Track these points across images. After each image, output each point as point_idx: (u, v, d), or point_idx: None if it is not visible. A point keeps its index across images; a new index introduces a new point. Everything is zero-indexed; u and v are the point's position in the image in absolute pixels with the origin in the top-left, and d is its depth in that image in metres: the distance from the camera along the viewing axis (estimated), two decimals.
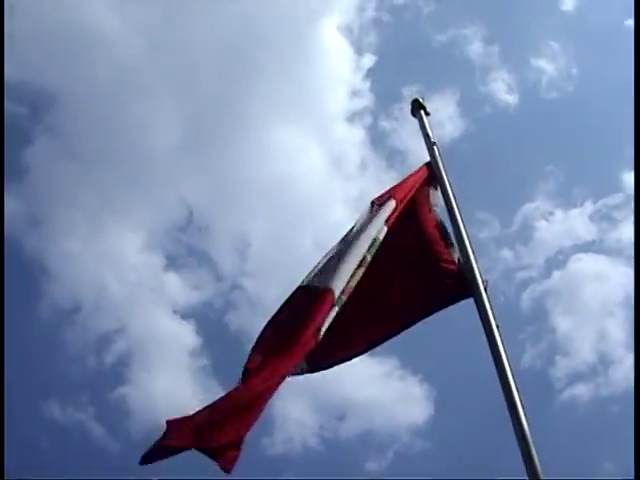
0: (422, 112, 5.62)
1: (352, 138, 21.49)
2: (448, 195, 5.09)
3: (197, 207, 20.10)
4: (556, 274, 19.49)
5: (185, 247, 20.36)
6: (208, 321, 19.20)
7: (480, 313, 4.52)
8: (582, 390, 17.22)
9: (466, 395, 17.23)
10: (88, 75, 19.78)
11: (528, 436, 3.94)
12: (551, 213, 20.13)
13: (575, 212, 20.00)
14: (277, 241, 20.93)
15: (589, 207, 19.80)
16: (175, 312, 19.25)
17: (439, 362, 17.92)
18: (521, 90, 21.02)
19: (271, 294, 19.60)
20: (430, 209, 5.12)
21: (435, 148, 5.40)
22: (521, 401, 4.09)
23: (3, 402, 7.90)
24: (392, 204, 4.95)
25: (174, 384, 18.53)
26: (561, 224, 20.11)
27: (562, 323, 18.82)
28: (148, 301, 19.87)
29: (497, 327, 4.42)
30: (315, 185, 21.58)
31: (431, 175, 5.24)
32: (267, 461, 17.57)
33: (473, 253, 4.81)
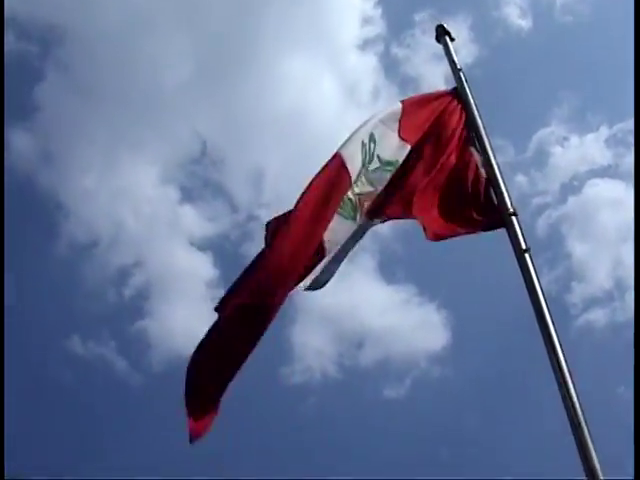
0: (447, 38, 5.47)
1: (364, 66, 21.33)
2: (476, 123, 5.01)
3: (211, 140, 20.10)
4: (571, 200, 19.46)
5: (200, 180, 20.42)
6: (225, 252, 19.48)
7: (511, 240, 4.48)
8: (598, 315, 17.33)
9: (485, 322, 17.36)
10: (99, 11, 19.57)
11: (565, 369, 3.92)
12: (566, 138, 19.99)
13: (590, 137, 19.85)
14: (291, 171, 20.83)
15: (604, 132, 19.62)
16: (192, 244, 19.45)
17: (457, 289, 18.02)
18: (534, 13, 20.68)
19: None
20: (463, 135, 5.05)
21: (461, 74, 5.27)
22: (556, 331, 4.06)
23: (3, 401, 7.97)
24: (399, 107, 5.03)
25: (192, 315, 18.78)
26: (576, 149, 19.98)
27: (578, 249, 18.86)
28: (165, 234, 20.08)
29: (528, 250, 4.39)
30: (328, 114, 21.45)
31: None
32: (287, 390, 17.84)
33: (503, 179, 4.75)
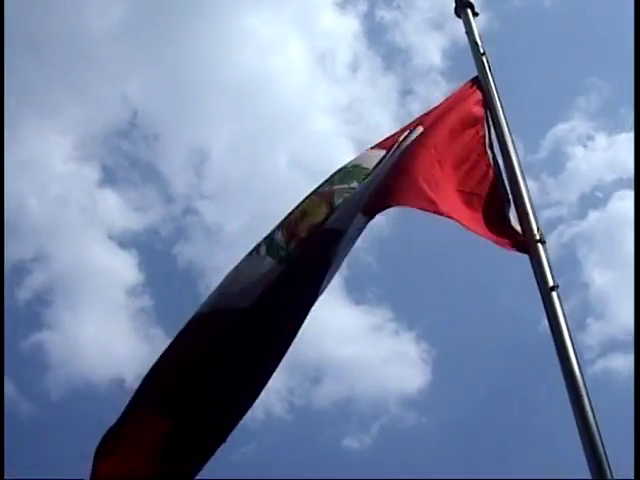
0: (469, 11, 5.60)
1: (342, 30, 21.26)
2: (500, 122, 5.14)
3: (144, 109, 19.77)
4: (593, 215, 19.59)
5: (126, 158, 20.04)
6: (152, 252, 19.40)
7: (535, 272, 4.61)
8: (619, 362, 17.47)
9: (473, 359, 17.49)
10: None
11: (593, 426, 4.05)
12: (590, 137, 20.05)
13: (622, 137, 19.83)
14: (243, 156, 20.71)
15: None
16: (111, 238, 19.02)
17: (443, 316, 18.08)
18: None
19: (232, 222, 19.49)
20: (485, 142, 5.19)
21: (484, 59, 5.39)
22: (584, 384, 4.19)
23: (3, 401, 8.02)
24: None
25: (105, 330, 18.63)
26: (603, 152, 20.05)
27: (597, 277, 18.95)
28: (77, 223, 19.60)
29: (556, 288, 4.52)
30: (294, 88, 21.40)
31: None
32: None
33: (529, 199, 4.90)
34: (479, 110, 5.24)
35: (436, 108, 5.43)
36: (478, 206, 4.88)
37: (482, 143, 5.16)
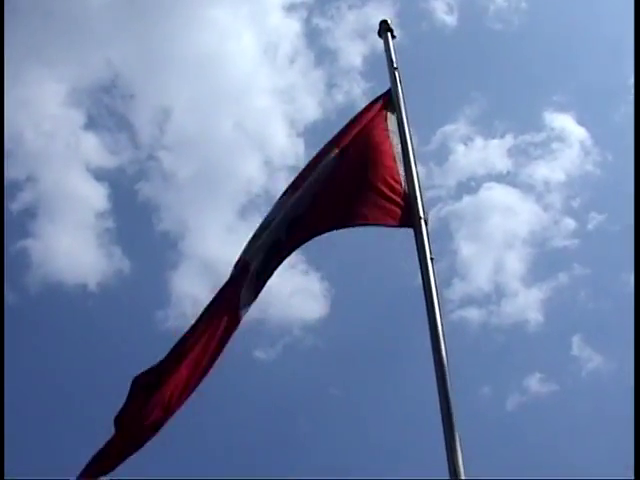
0: (389, 34, 5.69)
1: (286, 29, 21.42)
2: (403, 123, 5.23)
3: (123, 72, 19.94)
4: (466, 199, 20.08)
5: (107, 110, 20.20)
6: (119, 186, 19.39)
7: (417, 244, 4.74)
8: (473, 314, 18.09)
9: (364, 302, 17.88)
10: None
11: (446, 368, 4.28)
12: (470, 138, 20.53)
13: (494, 142, 20.43)
14: (198, 118, 20.93)
15: (509, 140, 20.26)
16: (88, 171, 19.32)
17: (345, 265, 18.41)
18: (464, 13, 21.12)
19: (185, 170, 19.94)
20: (386, 130, 5.27)
21: (397, 73, 5.50)
22: (444, 335, 4.41)
23: (3, 402, 7.86)
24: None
25: (77, 242, 19.06)
26: (478, 152, 20.57)
27: (464, 247, 19.53)
28: (62, 156, 19.90)
29: (432, 260, 4.69)
30: (243, 69, 21.54)
31: (389, 101, 5.39)
32: (158, 334, 17.89)
33: (419, 185, 4.99)
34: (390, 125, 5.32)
35: (349, 127, 5.41)
36: (376, 196, 4.97)
37: (385, 133, 5.27)
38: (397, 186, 5.00)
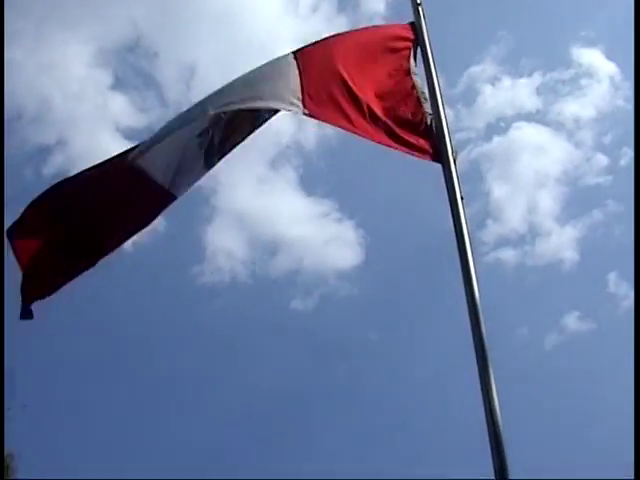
0: None
1: None
2: (428, 60, 5.04)
3: (147, 31, 19.97)
4: (495, 140, 19.90)
5: (133, 69, 20.16)
6: None
7: (447, 182, 4.62)
8: (508, 255, 17.95)
9: (399, 247, 17.80)
10: None
11: (479, 307, 4.18)
12: (498, 79, 20.20)
13: (522, 81, 20.12)
14: (224, 72, 20.68)
15: (537, 78, 19.93)
16: (118, 131, 19.23)
17: (378, 211, 18.32)
18: None
19: None
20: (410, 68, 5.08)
21: (420, 9, 5.30)
22: (476, 274, 4.30)
23: (3, 403, 7.95)
24: None
25: None
26: (506, 91, 20.26)
27: (496, 189, 19.35)
28: (91, 117, 19.89)
29: (462, 199, 4.56)
30: (266, 21, 21.34)
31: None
32: (194, 289, 18.01)
33: (446, 121, 4.84)
34: (402, 44, 5.12)
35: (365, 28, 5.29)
36: (400, 122, 4.76)
37: (406, 69, 5.05)
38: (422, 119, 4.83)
